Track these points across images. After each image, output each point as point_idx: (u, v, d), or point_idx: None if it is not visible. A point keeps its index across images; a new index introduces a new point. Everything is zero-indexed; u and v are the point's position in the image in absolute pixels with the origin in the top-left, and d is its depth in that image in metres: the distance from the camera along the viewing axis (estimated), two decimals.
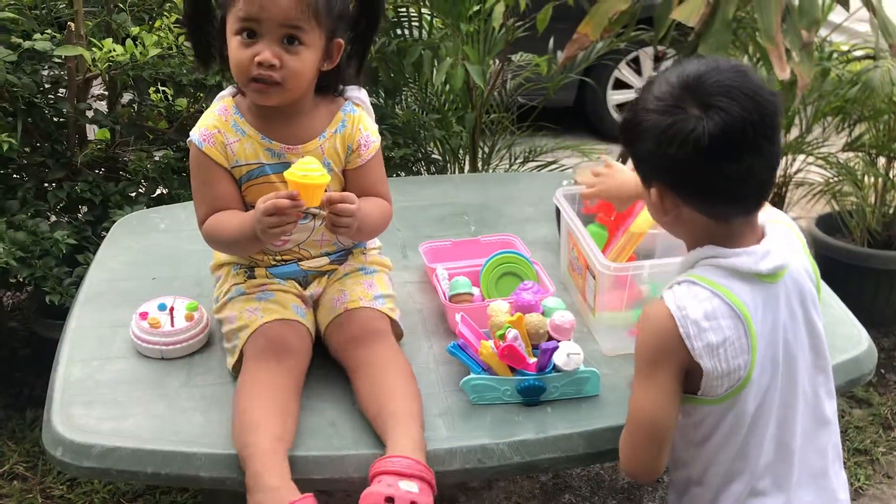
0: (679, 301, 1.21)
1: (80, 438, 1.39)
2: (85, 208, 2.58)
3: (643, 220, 1.71)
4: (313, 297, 1.63)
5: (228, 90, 1.57)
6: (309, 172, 1.37)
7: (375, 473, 1.28)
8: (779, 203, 3.12)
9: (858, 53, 2.90)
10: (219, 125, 1.52)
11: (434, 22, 2.68)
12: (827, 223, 3.07)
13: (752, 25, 2.53)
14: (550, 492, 2.38)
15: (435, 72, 2.43)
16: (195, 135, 1.52)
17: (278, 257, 1.61)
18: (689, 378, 1.24)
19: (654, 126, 1.17)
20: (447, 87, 2.69)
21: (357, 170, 1.58)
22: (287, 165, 1.48)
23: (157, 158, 2.61)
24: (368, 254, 1.70)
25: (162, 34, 2.46)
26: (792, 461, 1.28)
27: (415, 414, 1.39)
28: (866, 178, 2.92)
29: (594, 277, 1.60)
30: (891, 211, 2.96)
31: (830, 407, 1.32)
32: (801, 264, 1.29)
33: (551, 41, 3.01)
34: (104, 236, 2.47)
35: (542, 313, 1.56)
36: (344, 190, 1.55)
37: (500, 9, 2.39)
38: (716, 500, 1.31)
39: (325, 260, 1.64)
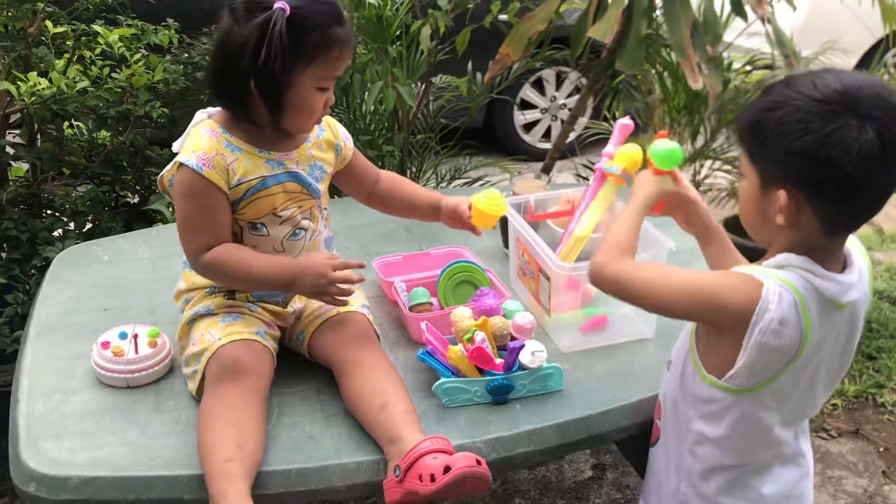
0: (773, 295, 1.21)
1: (54, 471, 1.37)
2: (6, 247, 2.50)
3: (587, 224, 1.81)
4: (296, 312, 1.66)
5: (203, 114, 1.57)
6: (498, 206, 1.69)
7: (419, 455, 1.33)
8: None
9: (755, 66, 3.13)
10: (216, 147, 1.51)
11: (357, 48, 2.74)
12: (733, 225, 3.27)
13: (660, 41, 2.70)
14: (501, 497, 2.44)
15: (367, 94, 2.48)
16: (191, 160, 1.48)
17: None
18: (717, 351, 1.30)
19: (815, 129, 1.16)
20: (374, 109, 2.75)
21: (354, 160, 1.72)
22: (289, 174, 1.56)
23: (81, 193, 2.56)
24: None
25: (80, 67, 2.42)
26: (784, 451, 1.38)
27: (415, 413, 1.46)
28: None
29: (548, 279, 1.68)
30: None
31: (822, 401, 1.40)
32: (865, 292, 1.31)
33: (470, 63, 3.11)
34: (33, 274, 2.41)
35: (503, 316, 1.63)
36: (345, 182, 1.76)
37: (426, 31, 2.47)
38: (707, 479, 1.38)
39: None
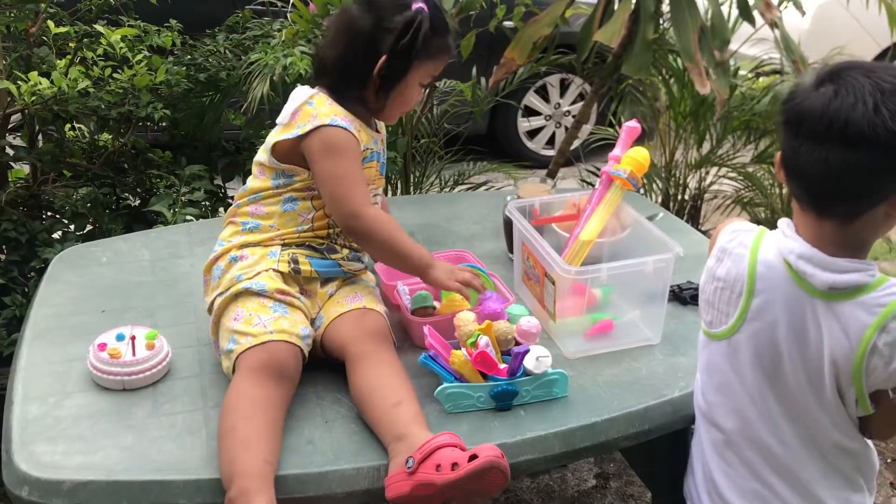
0: (727, 229, 1.36)
1: (47, 475, 1.34)
2: (5, 248, 2.47)
3: (593, 227, 1.78)
4: (330, 294, 1.67)
5: (308, 89, 1.61)
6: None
7: (438, 447, 1.31)
8: (695, 215, 3.28)
9: (762, 72, 3.11)
10: (348, 114, 1.59)
11: None
12: None
13: (666, 46, 2.68)
14: None
15: None
16: (336, 121, 1.56)
17: (335, 245, 1.67)
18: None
19: (799, 81, 1.25)
20: None
21: None
22: (377, 154, 1.68)
23: (81, 195, 2.54)
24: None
25: (82, 68, 2.41)
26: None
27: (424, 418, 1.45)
28: (774, 188, 3.11)
29: (553, 283, 1.66)
30: None
31: (784, 425, 1.35)
32: (860, 331, 1.21)
33: (474, 68, 3.09)
34: (32, 276, 2.39)
35: (508, 320, 1.60)
36: None
37: None
38: (703, 429, 1.47)
39: (361, 265, 1.72)
